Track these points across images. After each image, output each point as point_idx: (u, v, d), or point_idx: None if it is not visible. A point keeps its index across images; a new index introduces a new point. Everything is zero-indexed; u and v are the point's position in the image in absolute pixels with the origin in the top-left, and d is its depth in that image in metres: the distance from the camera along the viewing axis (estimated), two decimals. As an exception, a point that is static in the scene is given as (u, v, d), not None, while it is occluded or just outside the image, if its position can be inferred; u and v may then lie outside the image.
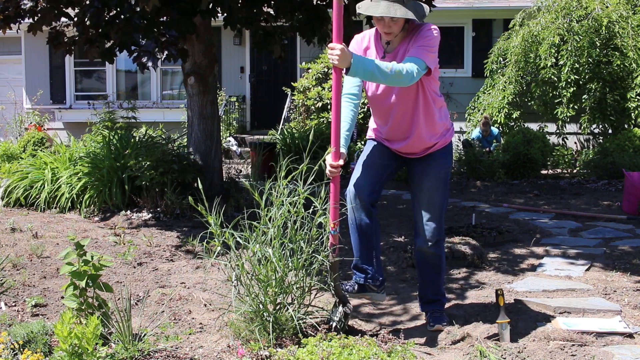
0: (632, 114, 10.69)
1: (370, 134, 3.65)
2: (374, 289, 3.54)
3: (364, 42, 3.45)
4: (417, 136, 3.42)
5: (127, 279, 4.50)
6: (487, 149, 11.08)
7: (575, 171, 10.98)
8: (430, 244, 3.50)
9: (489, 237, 5.69)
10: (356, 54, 3.08)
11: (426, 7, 3.29)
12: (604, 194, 8.75)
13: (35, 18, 6.35)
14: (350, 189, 3.44)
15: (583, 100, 10.97)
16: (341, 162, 3.17)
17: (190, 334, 3.41)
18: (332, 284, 3.28)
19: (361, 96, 3.44)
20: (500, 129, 11.76)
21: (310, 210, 3.28)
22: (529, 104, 11.72)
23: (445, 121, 3.47)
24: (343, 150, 3.23)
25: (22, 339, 2.99)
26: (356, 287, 3.54)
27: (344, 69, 3.07)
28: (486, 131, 11.29)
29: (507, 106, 11.63)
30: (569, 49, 10.78)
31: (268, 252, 3.17)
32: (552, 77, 10.97)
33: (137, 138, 7.83)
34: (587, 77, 10.85)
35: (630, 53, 10.54)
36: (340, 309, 3.36)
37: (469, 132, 12.16)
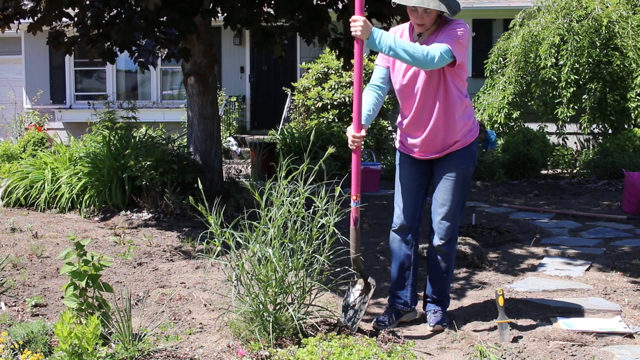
0: (632, 114, 10.69)
1: (396, 137, 3.74)
2: (408, 311, 3.73)
3: (397, 33, 3.52)
4: (433, 130, 3.44)
5: (127, 279, 4.50)
6: (484, 150, 11.08)
7: (575, 171, 10.99)
8: (442, 242, 3.55)
9: (489, 237, 5.69)
10: (378, 29, 3.20)
11: (460, 3, 3.34)
12: (604, 194, 8.75)
13: (36, 18, 6.35)
14: (394, 225, 3.62)
15: (583, 100, 10.97)
16: (363, 132, 3.32)
17: (190, 334, 3.41)
18: (353, 259, 3.39)
19: (386, 89, 3.54)
20: (501, 129, 11.76)
21: (311, 211, 3.28)
22: (529, 104, 11.72)
23: (467, 121, 3.49)
24: (364, 123, 3.37)
25: (22, 339, 2.99)
26: (394, 317, 3.67)
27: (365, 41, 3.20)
28: (482, 138, 11.29)
29: (507, 106, 11.62)
30: (569, 49, 10.78)
31: (268, 252, 3.17)
32: (552, 77, 10.97)
33: (137, 138, 7.83)
34: (587, 77, 10.85)
35: (630, 53, 10.54)
36: (353, 295, 3.43)
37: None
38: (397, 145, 3.74)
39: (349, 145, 3.35)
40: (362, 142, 3.37)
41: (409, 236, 3.61)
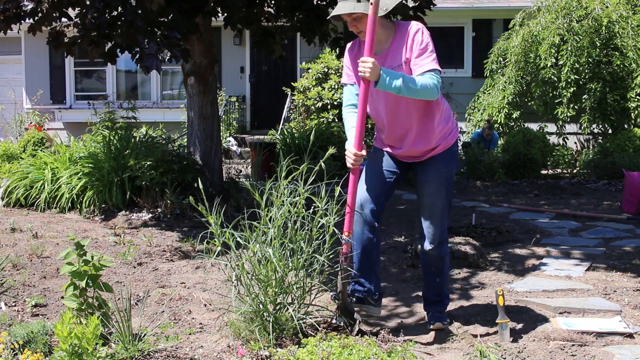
0: (632, 114, 10.69)
1: (374, 140, 3.67)
2: (371, 303, 3.56)
3: (353, 50, 3.44)
4: (413, 140, 3.39)
5: (127, 279, 4.50)
6: (487, 150, 11.07)
7: (575, 171, 10.99)
8: (432, 246, 3.52)
9: (489, 237, 5.69)
10: (385, 69, 3.13)
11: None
12: (604, 194, 8.76)
13: (36, 18, 6.35)
14: (356, 207, 3.41)
15: (583, 100, 10.97)
16: (364, 152, 3.22)
17: (190, 334, 3.41)
18: (340, 294, 3.31)
19: None
20: (501, 129, 11.76)
21: (311, 210, 3.28)
22: (529, 104, 11.72)
23: (446, 124, 3.42)
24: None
25: (22, 339, 2.99)
26: (354, 301, 3.53)
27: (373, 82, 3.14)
28: (489, 135, 11.27)
29: (507, 106, 11.62)
30: (569, 49, 10.78)
31: (268, 252, 3.17)
32: (552, 77, 10.97)
33: (137, 138, 7.83)
34: (587, 77, 10.85)
35: (630, 53, 10.54)
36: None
37: (469, 133, 12.16)
38: (374, 141, 3.66)
39: (349, 164, 3.23)
40: (361, 162, 3.26)
41: (373, 221, 3.42)
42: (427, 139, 3.39)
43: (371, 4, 3.09)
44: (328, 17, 3.33)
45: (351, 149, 3.22)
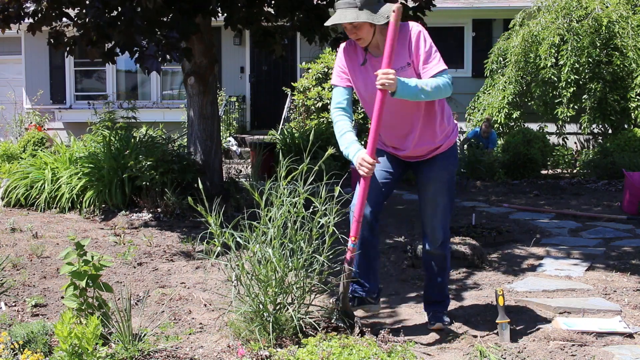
0: (632, 114, 10.70)
1: None
2: (371, 301, 3.60)
3: (349, 52, 3.38)
4: (417, 141, 3.37)
5: (127, 279, 4.50)
6: (486, 149, 11.08)
7: (575, 171, 10.99)
8: (436, 245, 3.51)
9: (489, 237, 5.69)
10: (400, 79, 3.08)
11: (388, 5, 3.18)
12: (604, 194, 8.76)
13: (36, 18, 6.36)
14: (354, 204, 3.38)
15: (583, 100, 10.97)
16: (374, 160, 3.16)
17: (190, 334, 3.41)
18: (341, 298, 3.32)
19: (351, 108, 3.41)
20: (501, 129, 11.76)
21: (311, 210, 3.28)
22: (529, 104, 11.72)
23: (448, 123, 3.43)
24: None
25: (22, 339, 2.99)
26: (355, 302, 3.56)
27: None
28: (486, 132, 11.29)
29: (507, 106, 11.63)
30: (569, 49, 10.78)
31: (268, 252, 3.17)
32: (552, 77, 10.98)
33: (137, 138, 7.83)
34: (587, 77, 10.85)
35: (630, 53, 10.55)
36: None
37: (468, 133, 12.18)
38: None
39: (362, 172, 3.14)
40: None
41: (373, 222, 3.43)
42: (432, 139, 3.38)
43: (393, 11, 3.04)
44: (326, 24, 3.28)
45: (367, 158, 3.13)
